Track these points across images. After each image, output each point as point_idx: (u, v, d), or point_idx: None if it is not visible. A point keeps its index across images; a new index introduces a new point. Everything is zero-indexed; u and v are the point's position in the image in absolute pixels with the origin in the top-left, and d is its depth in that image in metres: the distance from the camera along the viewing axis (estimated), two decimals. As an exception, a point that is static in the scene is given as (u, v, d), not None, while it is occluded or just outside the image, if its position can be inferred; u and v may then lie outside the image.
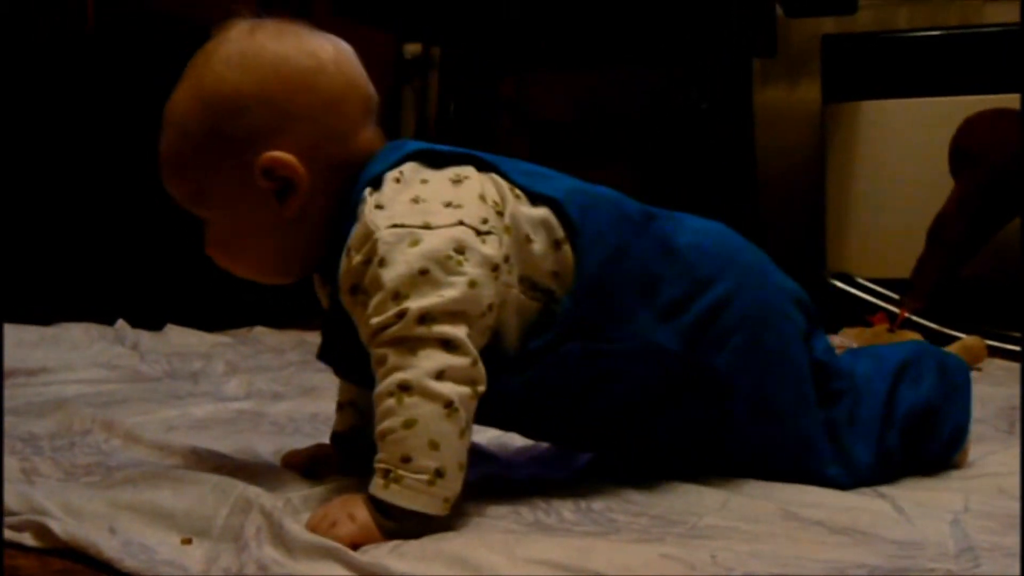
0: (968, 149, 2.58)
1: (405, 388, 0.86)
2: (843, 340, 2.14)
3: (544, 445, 1.19)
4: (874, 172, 3.00)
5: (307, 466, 1.08)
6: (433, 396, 0.86)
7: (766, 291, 1.08)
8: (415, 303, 0.87)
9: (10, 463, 1.11)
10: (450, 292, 0.88)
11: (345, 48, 1.02)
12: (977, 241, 2.56)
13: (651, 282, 1.02)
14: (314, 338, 2.62)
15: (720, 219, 1.12)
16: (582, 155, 3.27)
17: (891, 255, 2.85)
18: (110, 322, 2.34)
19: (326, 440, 1.13)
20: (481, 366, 0.89)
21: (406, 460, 0.85)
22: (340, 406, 1.13)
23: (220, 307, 2.75)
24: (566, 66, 3.15)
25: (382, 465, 0.86)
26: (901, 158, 2.96)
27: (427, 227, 0.90)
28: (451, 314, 0.88)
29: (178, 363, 2.04)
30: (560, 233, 0.98)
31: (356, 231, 0.92)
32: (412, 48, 3.53)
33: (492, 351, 0.94)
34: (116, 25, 2.64)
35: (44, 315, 2.25)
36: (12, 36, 2.44)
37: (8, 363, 1.81)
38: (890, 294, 2.74)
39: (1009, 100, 2.61)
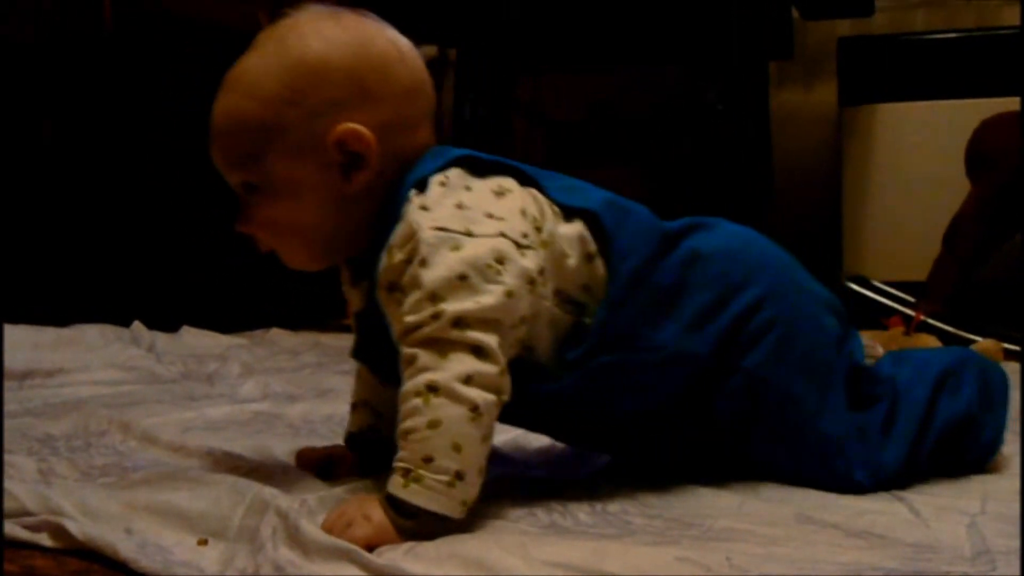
0: (985, 152, 2.58)
1: (433, 389, 0.87)
2: (873, 343, 2.13)
3: (560, 447, 1.19)
4: (890, 175, 2.99)
5: (322, 466, 1.08)
6: (460, 399, 0.86)
7: (797, 296, 1.09)
8: (451, 306, 0.88)
9: (27, 464, 1.11)
10: (487, 299, 0.89)
11: (411, 45, 1.03)
12: (993, 244, 2.56)
13: (682, 290, 1.02)
14: (329, 340, 2.63)
15: (735, 221, 1.12)
16: (598, 156, 3.27)
17: (907, 258, 2.84)
18: (126, 324, 2.35)
19: (341, 441, 1.13)
20: (508, 376, 0.90)
21: (428, 460, 0.85)
22: (354, 406, 1.13)
23: (236, 309, 2.76)
24: (582, 67, 3.15)
25: (403, 464, 0.86)
26: (917, 161, 2.96)
27: (469, 234, 0.91)
28: (485, 321, 0.89)
29: (194, 365, 2.05)
30: (592, 247, 0.99)
31: (400, 229, 0.93)
32: (428, 50, 3.53)
33: (524, 361, 0.95)
34: (134, 27, 2.65)
35: (61, 317, 2.25)
36: (32, 38, 2.44)
37: (25, 364, 1.82)
38: (906, 297, 2.74)
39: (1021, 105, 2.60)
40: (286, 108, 0.96)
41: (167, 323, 2.44)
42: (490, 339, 0.88)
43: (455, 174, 0.96)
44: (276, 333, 2.67)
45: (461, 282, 0.89)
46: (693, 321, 1.02)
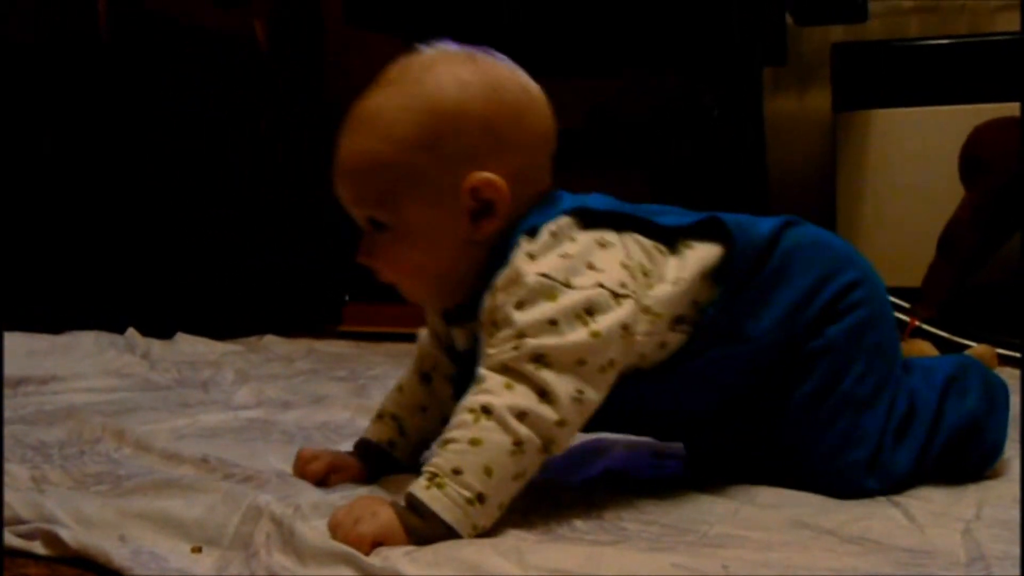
0: (979, 157, 2.58)
1: (487, 411, 0.88)
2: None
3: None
4: (885, 180, 2.99)
5: (320, 474, 1.08)
6: (508, 429, 0.88)
7: (883, 290, 1.12)
8: (534, 340, 0.90)
9: (20, 471, 1.11)
10: (571, 337, 0.90)
11: (540, 90, 1.05)
12: (988, 250, 2.55)
13: (780, 280, 1.04)
14: (323, 347, 2.63)
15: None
16: (592, 162, 3.26)
17: (902, 263, 2.84)
18: (120, 331, 2.34)
19: (337, 448, 1.13)
20: (568, 431, 0.91)
21: (457, 472, 0.86)
22: (381, 415, 1.13)
23: (230, 316, 2.75)
24: (576, 73, 3.15)
25: (432, 469, 0.88)
26: (912, 167, 2.96)
27: (568, 285, 0.93)
28: (566, 363, 0.90)
29: (188, 372, 2.04)
30: (710, 263, 1.02)
31: (505, 273, 0.94)
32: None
33: (631, 374, 0.98)
34: (129, 34, 2.65)
35: (55, 324, 2.25)
36: (26, 45, 2.44)
37: (19, 371, 1.82)
38: (901, 303, 2.73)
39: (1020, 108, 2.61)
40: (422, 154, 0.97)
41: (161, 330, 2.44)
42: (563, 386, 0.90)
43: (565, 223, 0.98)
44: (270, 340, 2.66)
45: (550, 326, 0.91)
46: (791, 308, 1.04)
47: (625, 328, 0.93)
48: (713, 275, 1.02)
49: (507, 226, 0.99)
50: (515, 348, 0.90)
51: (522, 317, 0.91)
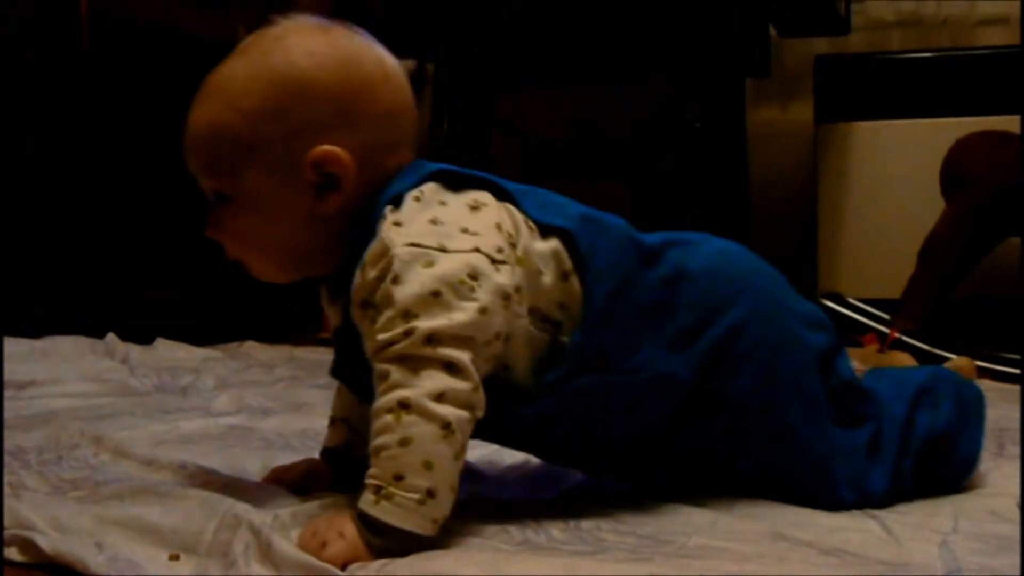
0: (959, 170, 2.59)
1: (404, 406, 0.86)
2: (859, 363, 2.13)
3: (534, 463, 1.19)
4: (866, 193, 3.01)
5: (299, 483, 1.08)
6: (431, 417, 0.86)
7: (781, 317, 1.07)
8: (424, 323, 0.87)
9: (-3, 477, 1.10)
10: (460, 316, 0.88)
11: (398, 64, 1.02)
12: (968, 262, 2.57)
13: (662, 311, 1.01)
14: (304, 353, 2.62)
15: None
16: (575, 173, 3.27)
17: (882, 275, 2.86)
18: (100, 335, 2.34)
19: (316, 455, 1.13)
20: (482, 392, 0.89)
21: (398, 478, 0.85)
22: (332, 421, 1.12)
23: (210, 321, 2.75)
24: (560, 84, 3.16)
25: (374, 481, 0.86)
26: (893, 179, 2.98)
27: (443, 250, 0.90)
28: (458, 338, 0.88)
29: (168, 377, 2.04)
30: (568, 264, 0.98)
31: (373, 247, 0.92)
32: (406, 64, 3.53)
33: (502, 381, 0.95)
34: (111, 41, 2.65)
35: (34, 328, 2.24)
36: (7, 54, 2.43)
37: (-3, 376, 1.81)
38: (881, 314, 2.75)
39: (1000, 122, 2.63)
40: (267, 124, 0.95)
41: (141, 335, 2.43)
42: (463, 355, 0.87)
43: (430, 188, 0.96)
44: (251, 346, 2.66)
45: (434, 299, 0.88)
46: (673, 342, 1.00)
47: (506, 298, 0.91)
48: (579, 281, 0.98)
49: (368, 197, 0.96)
50: (407, 335, 0.87)
51: (402, 292, 0.88)
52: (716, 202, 2.79)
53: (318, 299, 1.08)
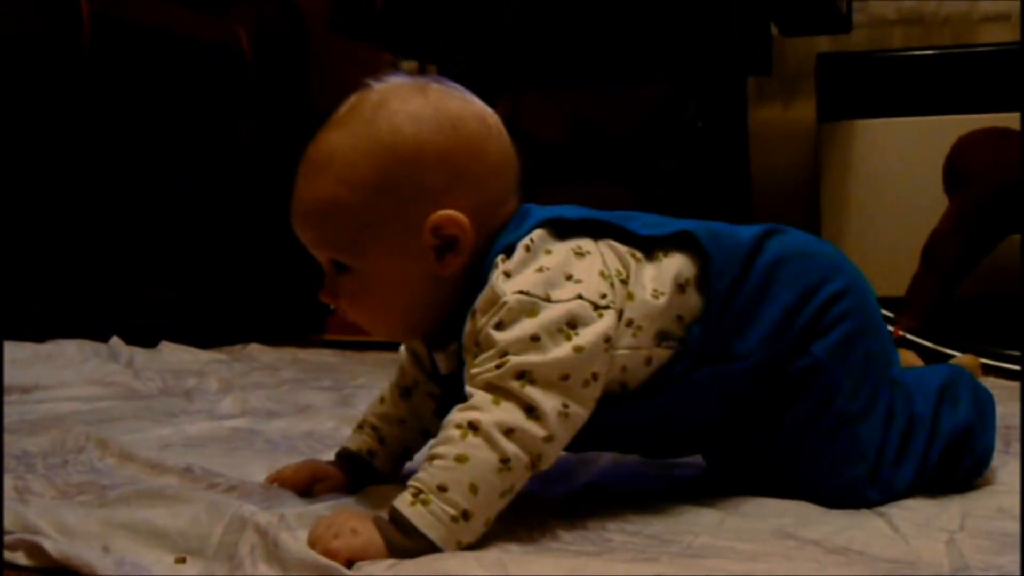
0: (962, 168, 2.59)
1: (474, 427, 0.87)
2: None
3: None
4: (869, 191, 3.01)
5: (302, 485, 1.08)
6: (495, 446, 0.87)
7: (870, 297, 1.11)
8: (518, 357, 0.89)
9: (4, 481, 1.10)
10: (554, 352, 0.89)
11: (497, 116, 1.04)
12: (972, 260, 2.57)
13: (765, 295, 1.03)
14: (308, 356, 2.63)
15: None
16: (576, 174, 3.27)
17: (886, 274, 2.84)
18: (104, 339, 2.34)
19: (320, 458, 1.13)
20: (555, 446, 0.90)
21: (442, 489, 0.86)
22: (361, 425, 1.13)
23: (214, 324, 2.75)
24: (561, 85, 3.16)
25: (417, 484, 0.87)
26: (895, 177, 2.97)
27: (548, 299, 0.92)
28: (550, 378, 0.89)
29: (172, 380, 2.04)
30: (687, 275, 1.01)
31: (484, 295, 0.93)
32: (408, 66, 3.53)
33: (618, 395, 0.98)
34: (113, 43, 2.65)
35: (38, 332, 2.24)
36: (8, 56, 2.44)
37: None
38: (885, 313, 2.75)
39: (1003, 119, 2.62)
40: (382, 197, 0.96)
41: (145, 338, 2.43)
42: (549, 402, 0.89)
43: (539, 236, 0.97)
44: (255, 349, 2.66)
45: (532, 342, 0.90)
46: (778, 324, 1.03)
47: (607, 340, 0.93)
48: (697, 289, 1.01)
49: (480, 250, 0.98)
50: (498, 366, 0.89)
51: (504, 336, 0.90)
52: (718, 201, 2.78)
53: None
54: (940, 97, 2.95)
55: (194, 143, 2.87)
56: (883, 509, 1.02)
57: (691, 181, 2.80)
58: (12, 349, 2.04)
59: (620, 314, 0.96)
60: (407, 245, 0.97)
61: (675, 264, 1.01)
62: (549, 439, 0.89)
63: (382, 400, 1.13)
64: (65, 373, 2.00)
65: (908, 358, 2.07)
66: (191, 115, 2.84)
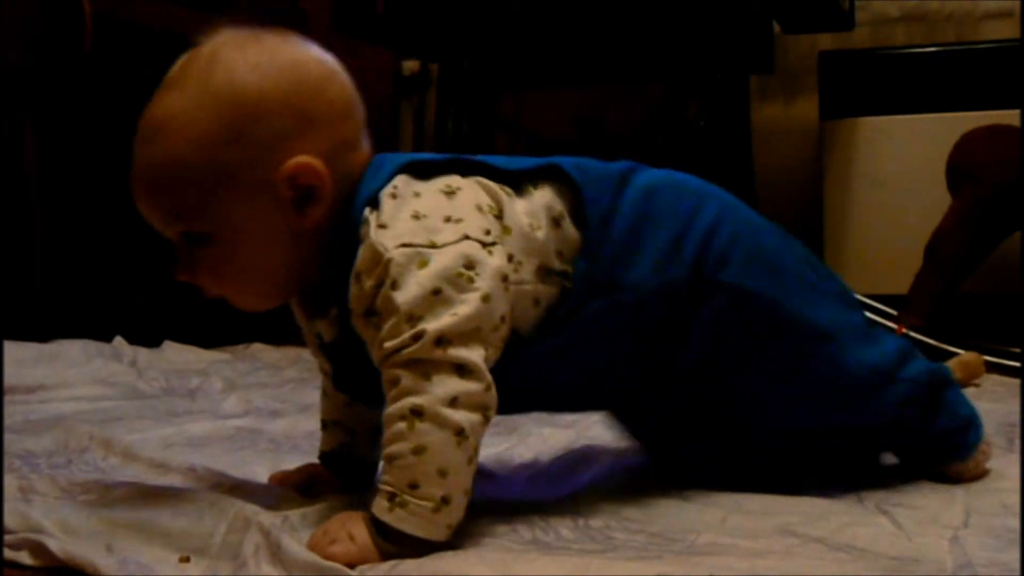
0: (965, 165, 2.59)
1: (417, 413, 0.85)
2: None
3: (544, 462, 1.19)
4: (871, 188, 3.00)
5: (302, 487, 1.07)
6: (445, 423, 0.85)
7: (748, 212, 1.09)
8: (431, 324, 0.86)
9: (7, 481, 1.10)
10: (464, 309, 0.87)
11: (336, 59, 0.99)
12: (975, 257, 2.56)
13: (645, 225, 1.00)
14: (311, 355, 2.62)
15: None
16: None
17: (889, 271, 2.85)
18: (107, 339, 2.34)
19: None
20: (494, 391, 0.88)
21: (413, 486, 0.85)
22: (325, 424, 1.12)
23: (217, 324, 2.75)
24: (564, 83, 3.16)
25: (388, 488, 0.86)
26: (898, 174, 2.97)
27: (433, 246, 0.89)
28: (466, 334, 0.87)
29: (176, 380, 2.04)
30: (558, 208, 0.98)
31: (363, 254, 0.90)
32: (410, 64, 3.53)
33: (508, 342, 0.93)
34: (114, 44, 2.65)
35: (42, 332, 2.24)
36: (10, 57, 2.44)
37: (6, 380, 1.81)
38: (888, 310, 2.74)
39: (1006, 116, 2.62)
40: (229, 150, 0.91)
41: (149, 338, 2.43)
42: (473, 354, 0.87)
43: (402, 182, 0.94)
44: (258, 348, 2.66)
45: (435, 297, 0.87)
46: (662, 254, 0.99)
47: (505, 279, 0.91)
48: (573, 222, 0.98)
49: (340, 202, 0.94)
50: (415, 339, 0.86)
51: (403, 296, 0.87)
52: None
53: (295, 318, 1.06)
54: (943, 94, 2.95)
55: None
56: (886, 506, 1.02)
57: (694, 179, 2.79)
58: (16, 349, 2.04)
59: (505, 248, 0.93)
60: (262, 201, 0.92)
61: (545, 196, 0.98)
62: (488, 388, 0.88)
63: (325, 393, 1.11)
64: (69, 373, 2.00)
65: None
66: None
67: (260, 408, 1.72)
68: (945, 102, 2.93)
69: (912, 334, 2.42)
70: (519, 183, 0.99)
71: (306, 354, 2.56)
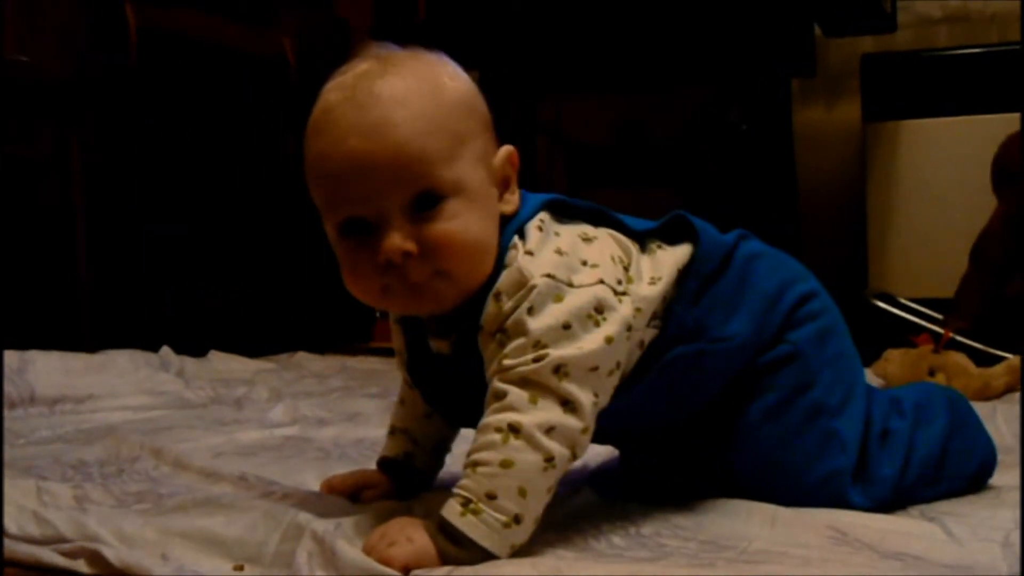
0: (1010, 167, 2.56)
1: (515, 430, 0.87)
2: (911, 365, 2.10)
3: (592, 469, 1.19)
4: (915, 191, 2.99)
5: (352, 492, 1.08)
6: (538, 447, 0.87)
7: (834, 301, 1.11)
8: (555, 351, 0.88)
9: (63, 490, 1.12)
10: (588, 346, 0.90)
11: None
12: (1021, 260, 2.54)
13: (746, 284, 1.04)
14: (356, 364, 2.63)
15: (761, 240, 1.14)
16: (620, 178, 3.27)
17: (934, 274, 2.83)
18: (155, 349, 2.36)
19: (371, 466, 1.14)
20: (589, 436, 0.90)
21: (491, 496, 0.86)
22: (393, 431, 1.13)
23: (262, 333, 2.77)
24: (604, 89, 3.16)
25: (464, 493, 0.87)
26: (942, 177, 2.95)
27: (571, 284, 0.91)
28: (585, 370, 0.89)
29: (222, 389, 2.06)
30: (682, 262, 1.02)
31: (508, 276, 0.92)
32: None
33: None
34: (159, 56, 2.67)
35: (90, 343, 2.27)
36: (57, 69, 2.46)
37: (56, 391, 1.84)
38: (933, 314, 2.72)
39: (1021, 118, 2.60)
40: (471, 118, 0.95)
41: (195, 348, 2.45)
42: (584, 395, 0.89)
43: (546, 218, 0.97)
44: (303, 357, 2.68)
45: (564, 331, 0.89)
46: (759, 312, 1.04)
47: (629, 328, 0.93)
48: (681, 274, 1.02)
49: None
50: (536, 360, 0.88)
51: (536, 324, 0.89)
52: (764, 204, 2.77)
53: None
54: (987, 96, 2.92)
55: (241, 153, 2.90)
56: (935, 513, 1.02)
57: (737, 183, 2.79)
58: (65, 360, 2.06)
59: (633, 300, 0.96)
60: (487, 171, 0.95)
61: (672, 255, 1.02)
62: (585, 430, 0.90)
63: (402, 401, 1.12)
64: (117, 383, 2.02)
65: (957, 360, 2.05)
66: (237, 126, 2.86)
67: (307, 417, 1.73)
68: (989, 104, 2.91)
69: (959, 338, 2.40)
70: (644, 240, 1.03)
71: (351, 362, 2.58)
